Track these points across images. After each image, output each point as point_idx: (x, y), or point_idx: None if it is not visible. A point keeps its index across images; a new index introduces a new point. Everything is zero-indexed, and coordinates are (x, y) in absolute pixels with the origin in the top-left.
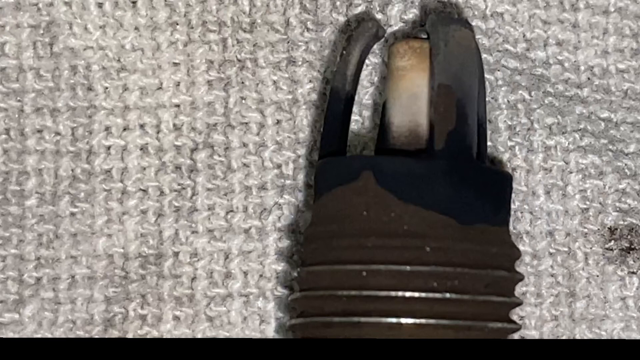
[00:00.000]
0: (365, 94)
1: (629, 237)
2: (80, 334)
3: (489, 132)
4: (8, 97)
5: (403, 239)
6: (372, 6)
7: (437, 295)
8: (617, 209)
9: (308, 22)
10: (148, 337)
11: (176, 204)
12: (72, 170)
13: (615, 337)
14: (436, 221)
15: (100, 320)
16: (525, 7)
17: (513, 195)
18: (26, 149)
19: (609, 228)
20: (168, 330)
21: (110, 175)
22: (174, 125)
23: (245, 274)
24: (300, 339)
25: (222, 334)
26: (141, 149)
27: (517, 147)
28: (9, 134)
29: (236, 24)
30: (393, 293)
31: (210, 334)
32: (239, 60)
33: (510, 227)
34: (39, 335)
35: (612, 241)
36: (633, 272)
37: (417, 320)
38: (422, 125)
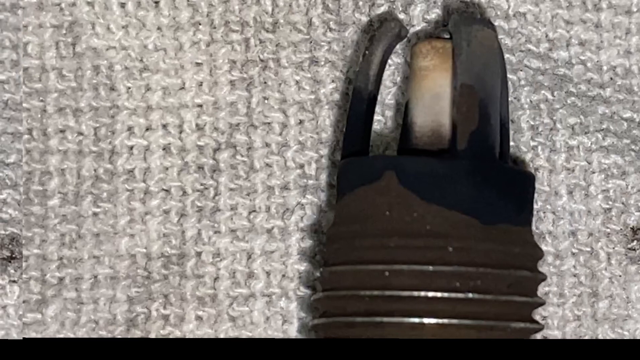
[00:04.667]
0: (387, 94)
1: None
2: (103, 334)
3: (511, 132)
4: (31, 97)
5: (425, 239)
6: (394, 6)
7: (460, 295)
8: None
9: (331, 22)
10: (170, 337)
11: (199, 204)
12: (95, 170)
13: (638, 337)
14: (459, 221)
15: (122, 320)
16: (548, 7)
17: (536, 195)
18: (49, 149)
19: (632, 228)
20: (190, 330)
21: (132, 175)
22: (197, 125)
23: (268, 274)
24: (323, 339)
25: (245, 334)
26: (164, 149)
27: (539, 147)
28: (31, 133)
29: (259, 24)
30: (415, 293)
31: (232, 334)
32: (262, 60)
33: (533, 227)
34: (61, 336)
35: (635, 241)
36: None
37: (440, 321)
38: (444, 125)
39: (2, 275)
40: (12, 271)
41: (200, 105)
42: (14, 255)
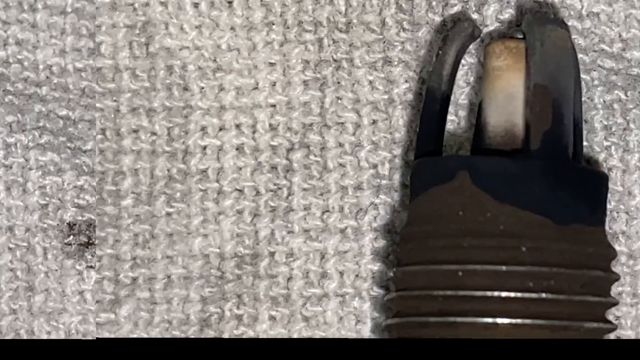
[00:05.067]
0: (461, 94)
1: None
2: (176, 334)
3: (584, 132)
4: (104, 97)
5: (499, 239)
6: (468, 6)
7: (533, 295)
8: None
9: (404, 22)
10: (244, 337)
11: (272, 204)
12: (168, 170)
13: None
14: (532, 221)
15: (196, 320)
16: (622, 7)
17: (609, 195)
18: (122, 149)
19: None
20: (264, 330)
21: (206, 175)
22: (270, 125)
23: (342, 274)
24: (396, 339)
25: (318, 334)
26: (237, 149)
27: (613, 147)
28: (105, 134)
29: (332, 24)
30: (489, 293)
31: (306, 334)
32: (335, 60)
33: (606, 227)
34: (134, 335)
35: None
36: None
37: (513, 320)
38: (518, 125)
39: (80, 261)
40: (89, 257)
41: (273, 105)
42: (91, 241)
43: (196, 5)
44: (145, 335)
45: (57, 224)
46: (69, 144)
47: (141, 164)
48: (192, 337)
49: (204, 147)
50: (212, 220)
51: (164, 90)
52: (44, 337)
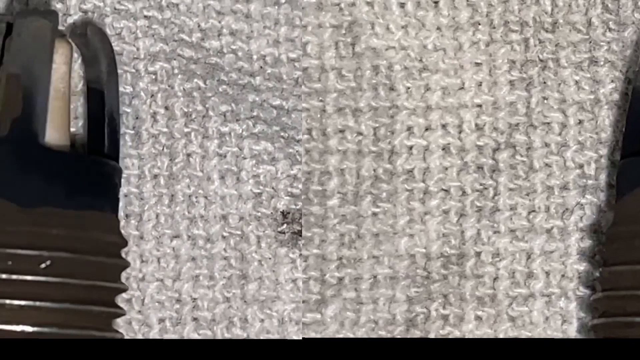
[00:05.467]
0: None
1: None
2: (383, 334)
3: None
4: (310, 97)
5: None
6: None
7: None
8: None
9: (610, 22)
10: (450, 337)
11: (478, 204)
12: (374, 170)
13: None
14: None
15: (402, 320)
16: None
17: None
18: (328, 149)
19: None
20: (470, 330)
21: (412, 175)
22: (476, 125)
23: (547, 274)
24: (603, 339)
25: (524, 334)
26: (443, 149)
27: None
28: (311, 133)
29: (538, 24)
30: None
31: (512, 334)
32: (541, 60)
33: None
34: (341, 335)
35: None
36: None
37: None
38: None
39: (293, 249)
40: (302, 244)
41: (479, 105)
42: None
43: (402, 5)
44: (351, 335)
45: (271, 213)
46: (282, 134)
47: (347, 164)
48: (398, 337)
49: (410, 147)
50: (418, 220)
51: (370, 90)
52: (257, 325)
